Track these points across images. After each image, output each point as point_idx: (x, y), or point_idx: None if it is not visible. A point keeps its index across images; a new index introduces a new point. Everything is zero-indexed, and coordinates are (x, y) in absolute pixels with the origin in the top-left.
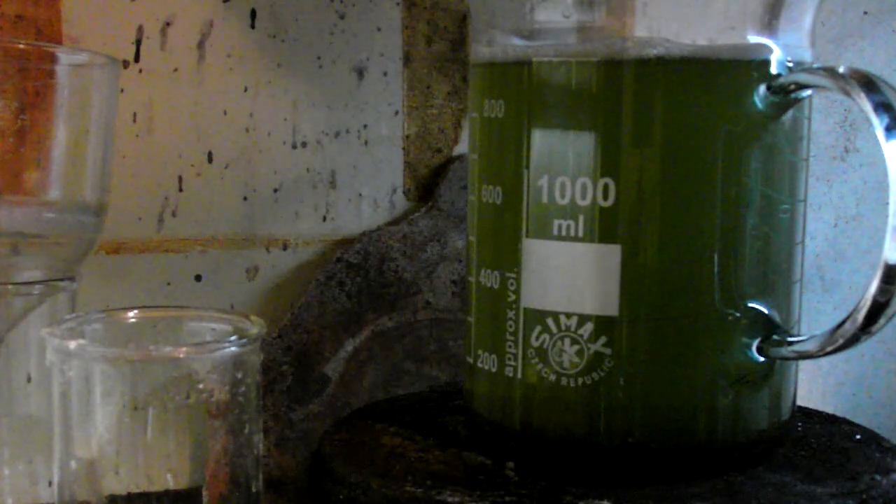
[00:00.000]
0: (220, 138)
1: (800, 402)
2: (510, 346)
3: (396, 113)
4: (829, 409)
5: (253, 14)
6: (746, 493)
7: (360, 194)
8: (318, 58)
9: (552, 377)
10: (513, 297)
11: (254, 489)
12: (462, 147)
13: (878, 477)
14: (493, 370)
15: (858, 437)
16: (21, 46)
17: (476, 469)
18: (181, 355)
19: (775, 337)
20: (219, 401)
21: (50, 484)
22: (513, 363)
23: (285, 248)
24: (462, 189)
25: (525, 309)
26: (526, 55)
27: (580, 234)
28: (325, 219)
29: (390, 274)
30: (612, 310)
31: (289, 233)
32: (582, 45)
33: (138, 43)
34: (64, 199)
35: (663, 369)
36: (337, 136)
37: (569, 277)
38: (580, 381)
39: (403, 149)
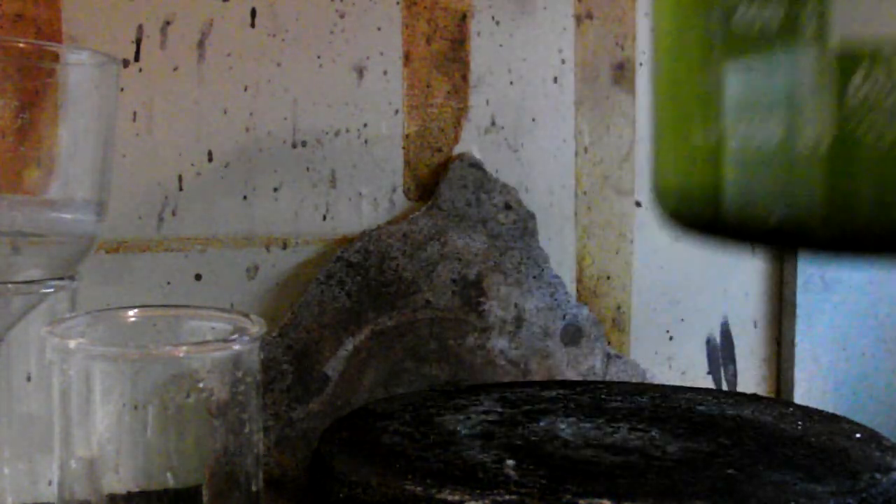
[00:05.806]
0: (220, 137)
1: (800, 401)
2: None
3: (396, 112)
4: (830, 408)
5: (253, 13)
6: (746, 491)
7: (360, 193)
8: (318, 57)
9: None
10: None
11: (254, 488)
12: (462, 146)
13: (878, 475)
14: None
15: (858, 435)
16: (21, 45)
17: (476, 467)
18: (181, 354)
19: None
20: (219, 400)
21: (50, 483)
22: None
23: (285, 247)
24: (462, 188)
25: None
26: None
27: None
28: (324, 218)
29: (390, 273)
30: None
31: (289, 232)
32: None
33: (138, 42)
34: (64, 198)
35: None
36: (337, 135)
37: None
38: None
39: (403, 148)
